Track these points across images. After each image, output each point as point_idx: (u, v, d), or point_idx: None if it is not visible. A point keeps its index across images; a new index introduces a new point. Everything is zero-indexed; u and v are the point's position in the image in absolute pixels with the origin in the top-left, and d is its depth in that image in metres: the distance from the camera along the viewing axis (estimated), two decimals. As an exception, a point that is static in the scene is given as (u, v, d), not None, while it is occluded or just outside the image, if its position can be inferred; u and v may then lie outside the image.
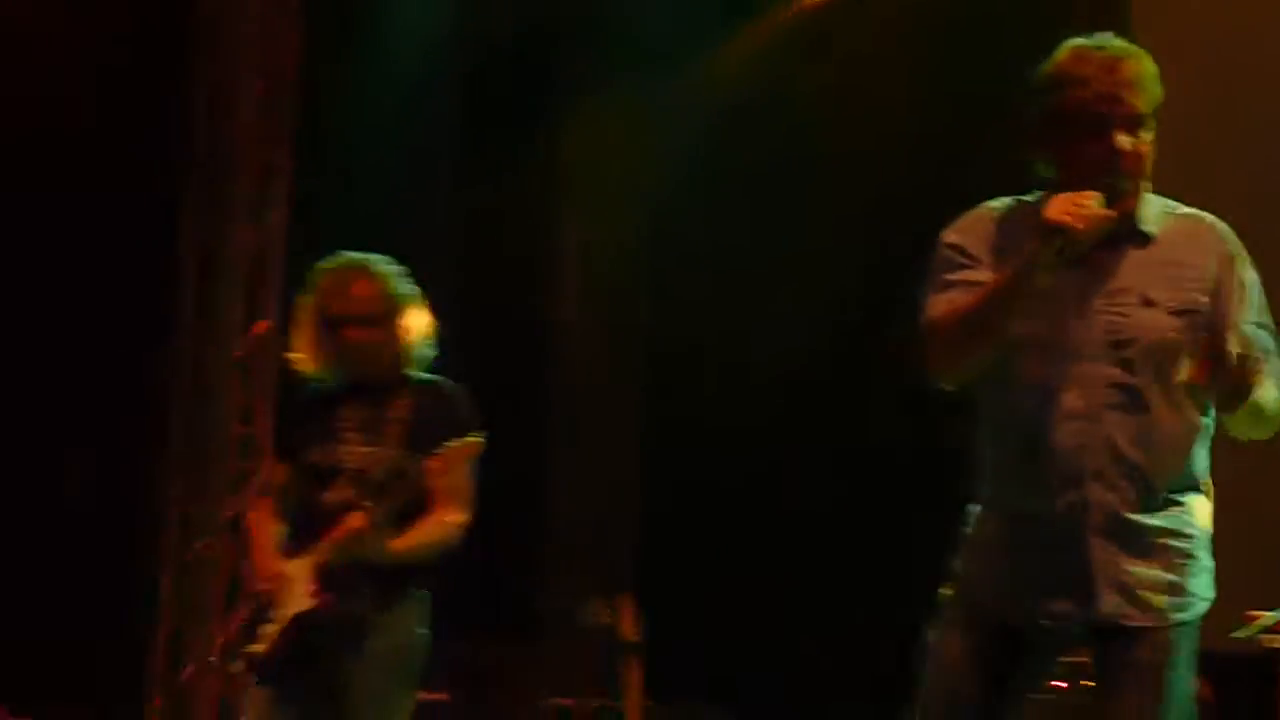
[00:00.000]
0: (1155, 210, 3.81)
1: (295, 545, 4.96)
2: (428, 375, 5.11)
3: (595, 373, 8.92)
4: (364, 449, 4.96)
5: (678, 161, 8.29)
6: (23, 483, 8.26)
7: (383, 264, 5.13)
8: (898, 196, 7.55)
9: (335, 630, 4.85)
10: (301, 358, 5.13)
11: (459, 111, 8.59)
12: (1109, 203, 3.64)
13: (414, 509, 4.89)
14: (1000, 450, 3.81)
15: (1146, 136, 3.71)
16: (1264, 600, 5.82)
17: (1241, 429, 3.74)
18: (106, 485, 8.61)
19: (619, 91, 8.34)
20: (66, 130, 8.08)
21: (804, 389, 8.03)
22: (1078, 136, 3.69)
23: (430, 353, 5.13)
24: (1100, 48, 3.73)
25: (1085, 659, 3.89)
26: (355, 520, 4.81)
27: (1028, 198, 3.83)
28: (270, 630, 4.88)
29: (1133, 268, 3.75)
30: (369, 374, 5.05)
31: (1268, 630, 5.82)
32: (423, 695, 5.05)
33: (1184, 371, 3.63)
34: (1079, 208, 3.60)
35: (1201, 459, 3.80)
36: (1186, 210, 3.86)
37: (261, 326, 8.78)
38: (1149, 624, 3.73)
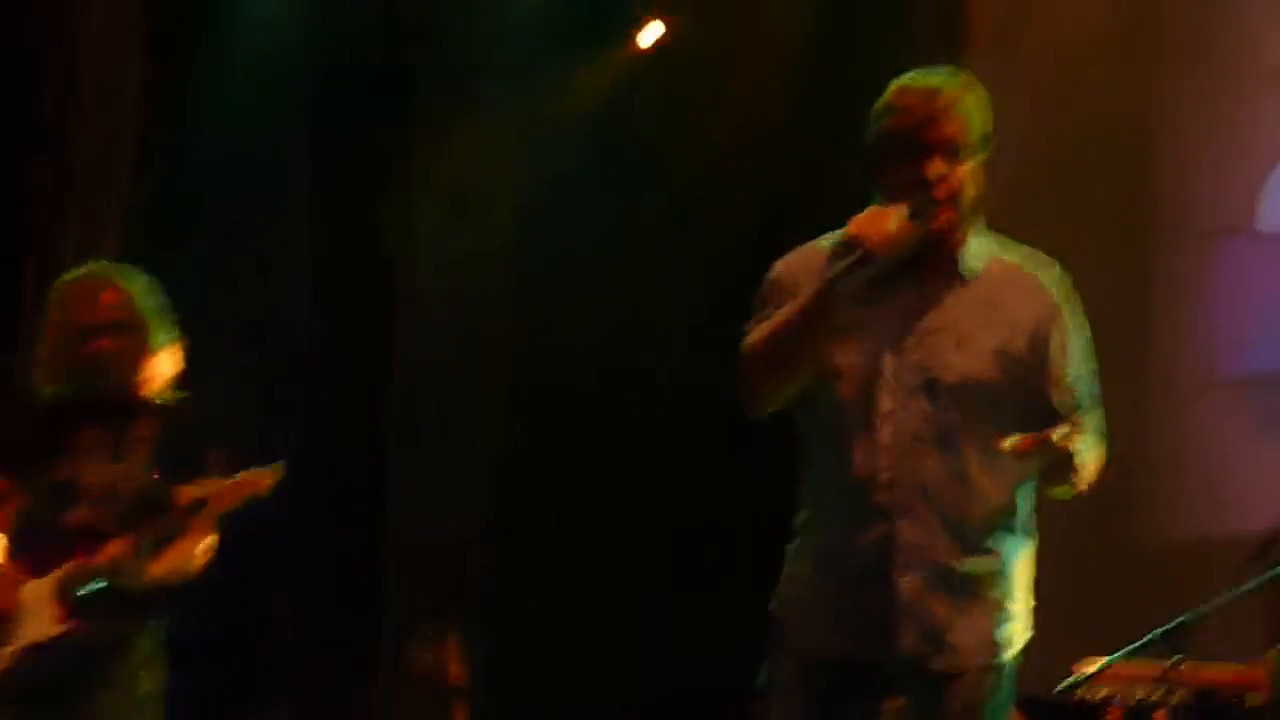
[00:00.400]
0: (983, 249, 3.82)
1: (26, 566, 4.70)
2: (176, 393, 4.90)
3: (446, 395, 8.78)
4: (106, 469, 4.76)
5: (538, 168, 8.23)
6: None
7: (132, 274, 4.94)
8: (750, 217, 7.58)
9: (77, 659, 4.65)
10: (42, 371, 4.90)
11: (310, 116, 8.44)
12: (917, 221, 3.66)
13: (169, 536, 4.69)
14: (816, 483, 3.81)
15: (966, 165, 3.74)
16: (1089, 651, 5.81)
17: (1059, 492, 3.76)
18: None
19: (479, 98, 8.27)
20: None
21: (660, 410, 7.97)
22: (894, 161, 3.73)
23: (177, 370, 4.92)
24: (926, 79, 3.79)
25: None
26: (115, 547, 4.63)
27: None
28: (4, 655, 4.66)
29: (952, 307, 3.76)
30: (114, 388, 4.83)
31: (1092, 681, 5.81)
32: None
33: (1007, 442, 3.62)
34: (879, 220, 3.63)
35: (1022, 504, 3.80)
36: (1018, 251, 3.87)
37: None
38: (953, 669, 3.71)
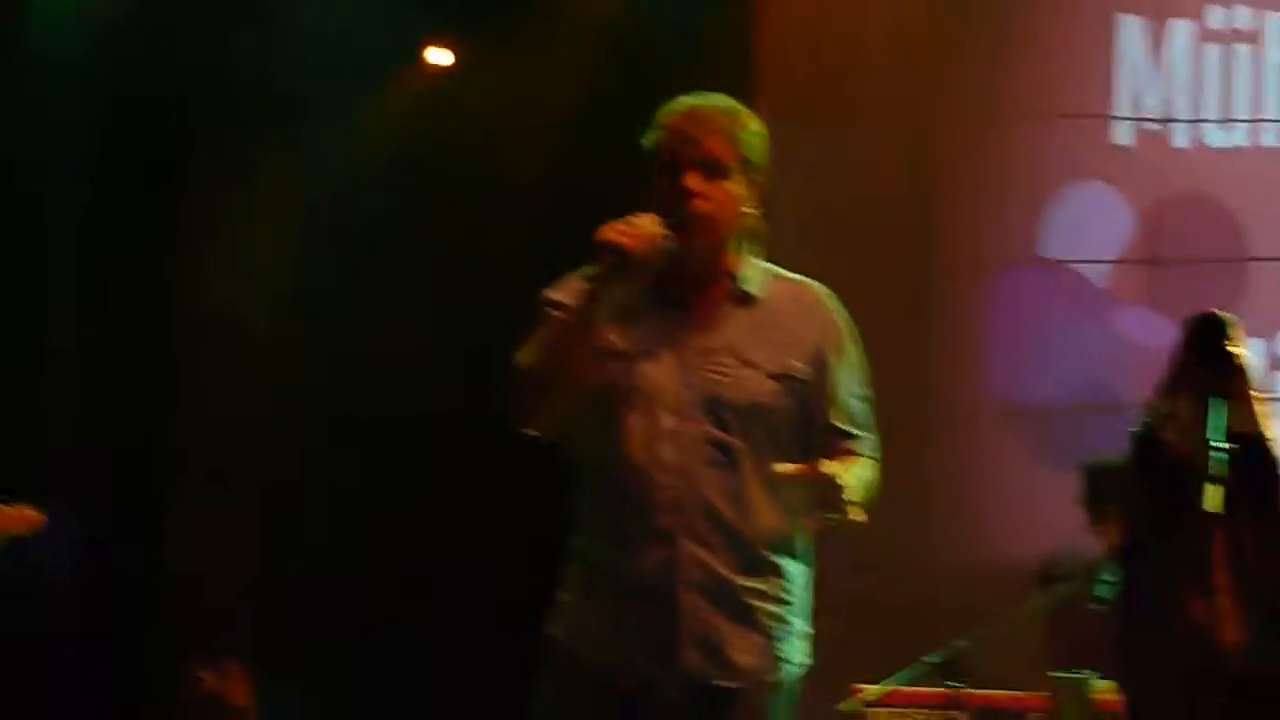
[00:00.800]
0: (759, 273, 3.86)
1: None
2: None
3: (220, 427, 8.68)
4: None
5: (320, 198, 8.18)
6: None
7: None
8: (542, 242, 7.59)
9: None
10: None
11: (91, 145, 8.29)
12: (673, 229, 3.71)
13: None
14: (596, 504, 3.80)
15: (730, 185, 3.78)
16: (871, 673, 5.91)
17: (833, 521, 3.77)
18: None
19: (261, 128, 8.20)
20: None
21: (434, 441, 7.93)
22: (658, 175, 3.79)
23: None
24: (697, 100, 3.85)
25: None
26: None
27: None
28: None
29: (734, 327, 3.79)
30: None
31: (875, 706, 5.90)
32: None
33: (778, 467, 3.67)
34: (630, 226, 3.67)
35: (801, 527, 3.81)
36: (793, 276, 3.92)
37: None
38: (734, 685, 3.73)
